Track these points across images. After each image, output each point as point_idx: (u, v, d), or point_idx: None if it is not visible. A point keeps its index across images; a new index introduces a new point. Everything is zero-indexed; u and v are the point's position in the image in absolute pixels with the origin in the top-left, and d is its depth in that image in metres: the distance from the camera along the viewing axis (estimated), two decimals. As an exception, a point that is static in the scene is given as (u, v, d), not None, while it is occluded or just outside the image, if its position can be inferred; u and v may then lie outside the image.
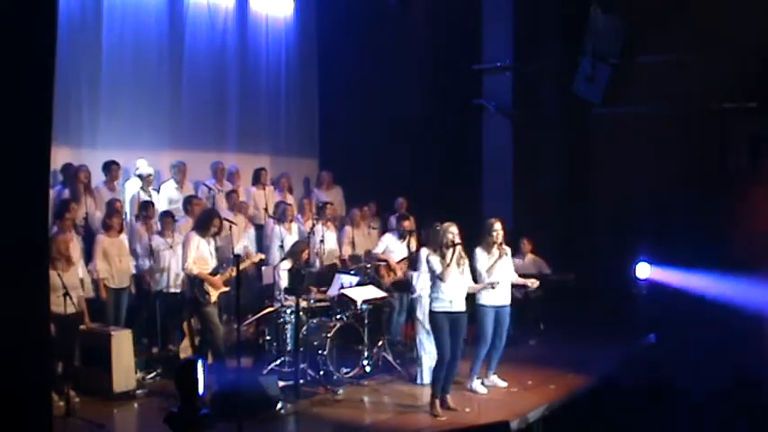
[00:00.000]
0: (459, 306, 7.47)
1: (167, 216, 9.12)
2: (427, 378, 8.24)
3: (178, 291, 8.90)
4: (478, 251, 8.01)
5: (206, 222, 8.37)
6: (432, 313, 7.48)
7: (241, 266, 8.60)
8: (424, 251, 8.29)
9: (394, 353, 9.05)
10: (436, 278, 7.42)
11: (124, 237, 8.91)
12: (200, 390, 4.95)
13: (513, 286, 8.47)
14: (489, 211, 11.18)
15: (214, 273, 8.31)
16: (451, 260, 7.37)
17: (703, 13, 10.53)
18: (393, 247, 9.80)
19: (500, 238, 8.04)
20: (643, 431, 8.06)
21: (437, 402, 7.42)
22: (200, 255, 8.24)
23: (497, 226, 8.07)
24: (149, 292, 8.93)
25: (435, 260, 7.43)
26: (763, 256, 9.99)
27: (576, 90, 11.98)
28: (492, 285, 7.93)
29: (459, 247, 7.43)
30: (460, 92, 12.64)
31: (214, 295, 8.26)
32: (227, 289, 8.40)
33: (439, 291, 7.42)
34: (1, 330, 3.72)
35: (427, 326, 8.16)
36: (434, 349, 8.22)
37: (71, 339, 7.50)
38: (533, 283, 8.52)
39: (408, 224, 9.72)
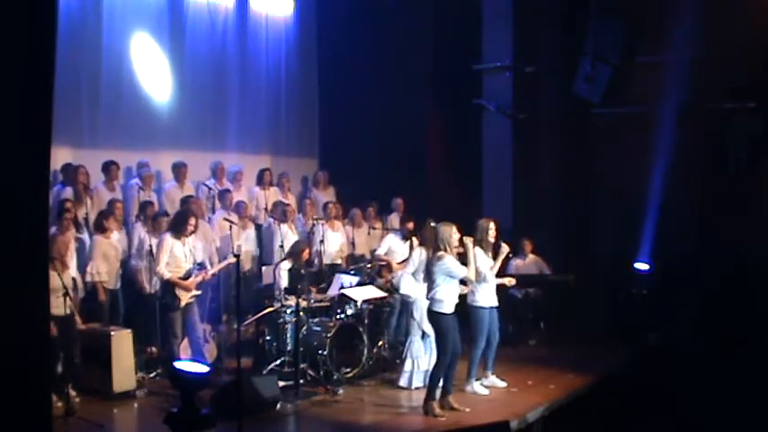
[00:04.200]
0: (454, 306, 7.53)
1: (161, 216, 9.08)
2: (409, 381, 8.28)
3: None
4: (479, 252, 8.01)
5: (181, 223, 8.29)
6: (441, 315, 7.42)
7: (217, 269, 8.65)
8: (418, 251, 8.33)
9: (394, 353, 9.06)
10: (458, 281, 7.42)
11: (119, 237, 8.90)
12: (207, 368, 4.98)
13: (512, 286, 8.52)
14: (489, 211, 11.18)
15: (187, 276, 8.24)
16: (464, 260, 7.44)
17: (703, 13, 10.55)
18: (396, 248, 9.77)
19: (493, 237, 8.10)
20: (643, 430, 8.08)
21: (434, 403, 7.38)
22: (174, 257, 8.17)
23: (492, 226, 8.11)
24: (141, 292, 8.89)
25: (456, 263, 7.41)
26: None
27: (576, 90, 11.98)
28: (506, 284, 8.20)
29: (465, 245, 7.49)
30: (460, 92, 12.64)
31: (185, 299, 8.19)
32: (198, 293, 8.36)
33: (451, 292, 7.41)
34: (1, 330, 3.71)
35: (424, 327, 8.16)
36: (423, 353, 8.24)
37: (71, 339, 7.48)
38: (510, 282, 8.56)
39: (412, 225, 9.73)
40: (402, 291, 8.67)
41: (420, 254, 8.32)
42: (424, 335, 8.23)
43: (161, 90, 10.80)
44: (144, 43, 10.64)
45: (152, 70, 10.70)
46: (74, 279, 8.01)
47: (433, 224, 8.18)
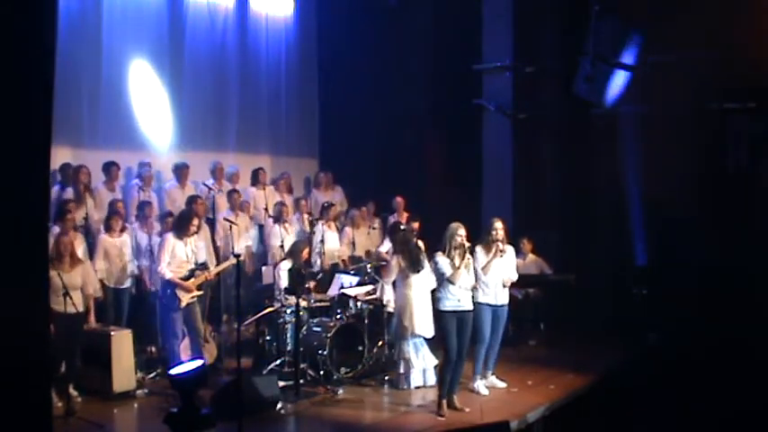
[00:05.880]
0: (467, 304, 7.51)
1: (167, 217, 9.09)
2: (406, 382, 8.28)
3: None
4: (478, 249, 8.00)
5: (184, 223, 8.27)
6: (440, 313, 7.46)
7: (219, 269, 8.64)
8: (395, 259, 8.33)
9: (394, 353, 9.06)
10: (445, 280, 7.41)
11: (126, 237, 8.91)
12: (200, 362, 5.00)
13: (512, 286, 8.47)
14: (489, 211, 11.18)
15: (189, 276, 8.22)
16: (461, 262, 7.40)
17: (703, 13, 10.54)
18: None
19: (499, 237, 8.03)
20: (643, 430, 8.08)
21: (444, 403, 7.41)
22: (175, 257, 8.15)
23: (497, 225, 8.08)
24: (145, 291, 8.89)
25: (444, 262, 7.41)
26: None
27: (576, 90, 11.97)
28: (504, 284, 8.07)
29: (466, 246, 7.47)
30: (460, 92, 12.64)
31: (186, 299, 8.17)
32: (200, 293, 8.35)
33: (447, 290, 7.42)
34: (1, 330, 3.72)
35: (416, 330, 8.16)
36: (414, 354, 8.24)
37: (73, 339, 7.48)
38: (507, 282, 8.55)
39: (417, 225, 9.74)
40: (384, 300, 8.74)
41: (396, 261, 8.33)
42: (414, 336, 8.26)
43: (161, 90, 10.80)
44: (144, 43, 10.64)
45: (152, 70, 10.70)
46: (100, 281, 8.31)
47: (403, 228, 8.21)
